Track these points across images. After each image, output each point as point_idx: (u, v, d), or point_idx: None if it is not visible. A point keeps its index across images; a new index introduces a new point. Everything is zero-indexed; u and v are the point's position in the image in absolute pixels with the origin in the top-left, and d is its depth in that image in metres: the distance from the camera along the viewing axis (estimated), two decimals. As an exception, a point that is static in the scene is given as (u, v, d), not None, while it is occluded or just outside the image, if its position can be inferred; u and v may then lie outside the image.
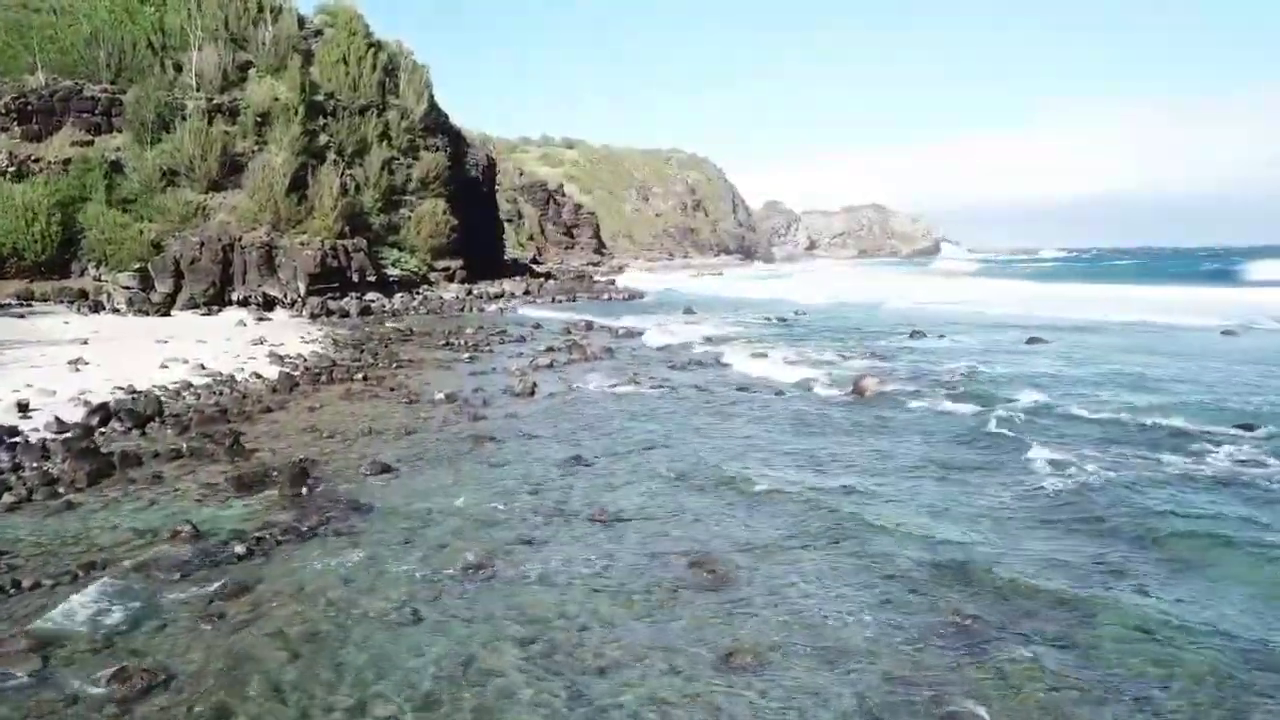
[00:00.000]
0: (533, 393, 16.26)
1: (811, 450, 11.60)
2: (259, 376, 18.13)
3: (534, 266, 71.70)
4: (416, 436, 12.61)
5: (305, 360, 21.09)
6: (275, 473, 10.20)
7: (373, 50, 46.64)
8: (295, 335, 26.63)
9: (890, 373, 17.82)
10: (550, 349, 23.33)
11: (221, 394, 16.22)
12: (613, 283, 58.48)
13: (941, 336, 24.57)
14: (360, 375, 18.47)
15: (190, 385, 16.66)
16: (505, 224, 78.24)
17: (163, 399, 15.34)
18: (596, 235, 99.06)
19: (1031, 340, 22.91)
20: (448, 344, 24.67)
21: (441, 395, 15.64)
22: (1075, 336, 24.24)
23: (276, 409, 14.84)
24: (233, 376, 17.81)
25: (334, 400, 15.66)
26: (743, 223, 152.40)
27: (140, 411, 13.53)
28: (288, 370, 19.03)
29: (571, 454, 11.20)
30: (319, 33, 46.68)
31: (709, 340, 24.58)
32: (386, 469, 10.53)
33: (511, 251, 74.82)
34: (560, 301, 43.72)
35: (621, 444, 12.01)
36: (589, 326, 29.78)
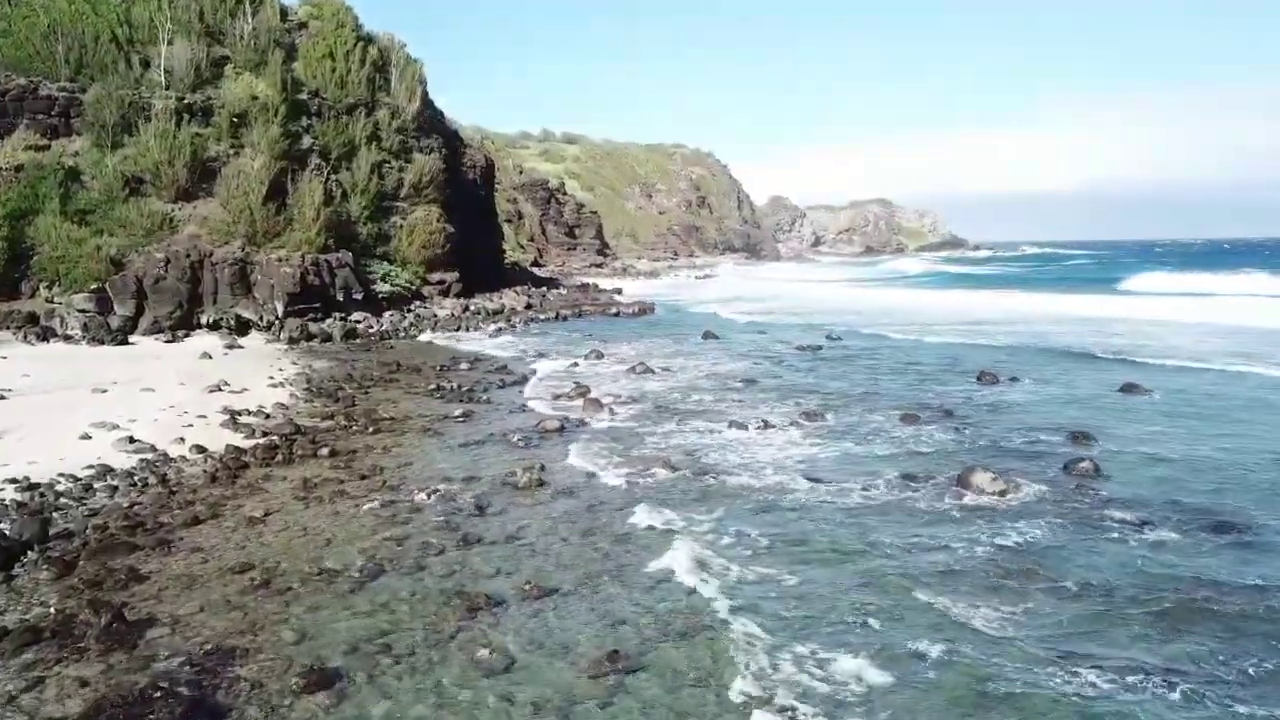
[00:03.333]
0: (541, 485, 12.77)
1: (973, 636, 8.11)
2: (202, 451, 14.64)
3: (535, 271, 68.26)
4: (384, 585, 9.11)
5: (266, 419, 17.61)
6: (158, 696, 6.71)
7: (362, 45, 43.03)
8: (265, 373, 23.15)
9: (986, 449, 14.34)
10: (558, 396, 19.88)
11: (146, 485, 12.73)
12: (619, 292, 55.00)
13: (1014, 380, 21.06)
14: (327, 449, 14.96)
15: (109, 472, 13.16)
16: (505, 224, 74.75)
17: (62, 499, 11.88)
18: (599, 235, 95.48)
19: (1126, 389, 19.41)
20: (438, 388, 21.17)
21: (423, 494, 12.12)
22: (1168, 380, 20.66)
23: (208, 517, 11.34)
24: (166, 455, 14.31)
25: (287, 499, 12.16)
26: (747, 220, 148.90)
27: (15, 536, 10.03)
28: (239, 441, 15.54)
29: (606, 648, 7.67)
30: (303, 25, 43.05)
31: (746, 385, 21.07)
32: (329, 680, 7.03)
33: (511, 254, 71.31)
34: (565, 318, 40.23)
35: (672, 615, 8.49)
36: (599, 356, 26.32)
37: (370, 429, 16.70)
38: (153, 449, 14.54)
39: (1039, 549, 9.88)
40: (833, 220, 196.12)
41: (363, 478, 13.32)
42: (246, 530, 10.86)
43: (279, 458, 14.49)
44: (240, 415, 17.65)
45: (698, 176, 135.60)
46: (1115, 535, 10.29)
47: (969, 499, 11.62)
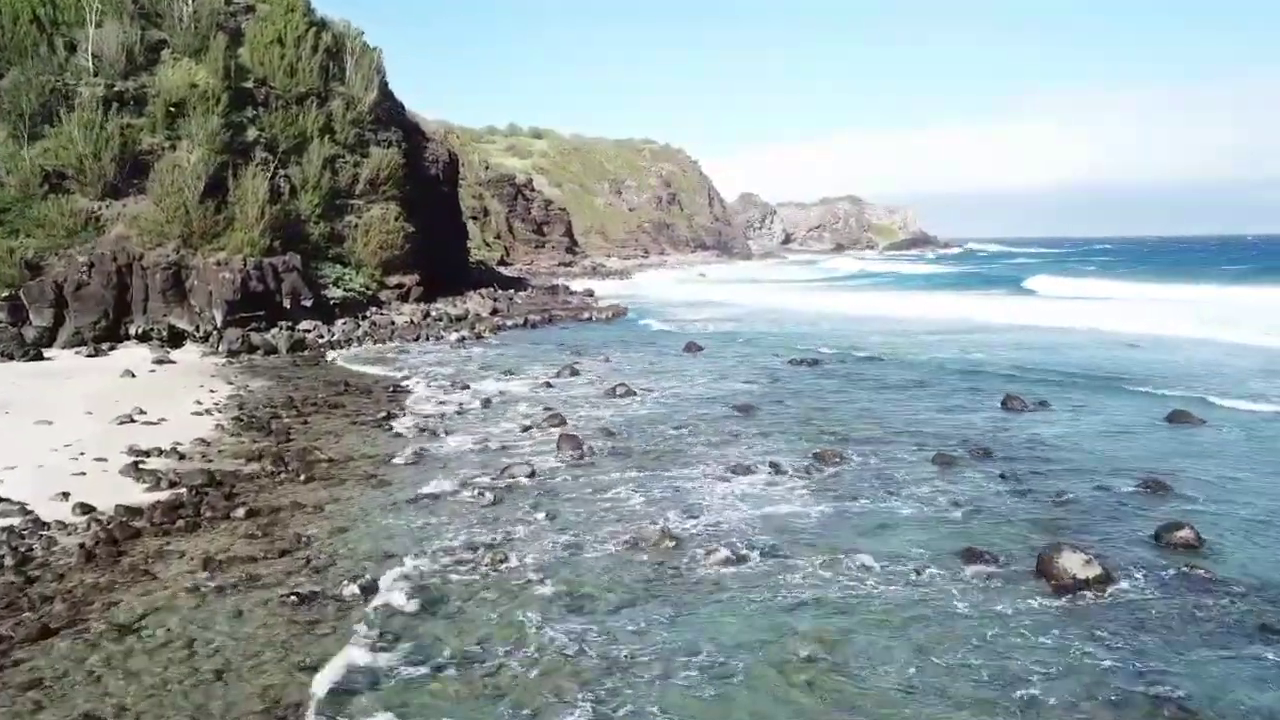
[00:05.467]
0: (505, 563, 10.09)
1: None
2: (87, 511, 11.83)
3: (501, 271, 65.41)
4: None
5: (181, 460, 14.82)
6: None
7: (314, 30, 39.96)
8: (192, 396, 20.31)
9: (1049, 507, 11.85)
10: (528, 428, 17.21)
11: (-2, 569, 9.91)
12: (591, 294, 52.25)
13: (1043, 406, 18.68)
14: (244, 508, 12.16)
15: (-46, 548, 10.32)
16: (470, 222, 71.78)
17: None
18: (568, 233, 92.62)
19: (1176, 418, 17.06)
20: (389, 416, 18.44)
21: (356, 585, 9.39)
22: (1210, 409, 18.22)
23: (65, 624, 8.56)
24: (38, 519, 11.45)
25: (178, 591, 9.39)
26: (719, 217, 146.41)
27: None
28: (139, 495, 12.73)
29: None
30: (250, 9, 39.97)
31: (743, 412, 18.47)
32: None
33: (477, 253, 68.40)
34: (534, 325, 37.44)
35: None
36: (573, 373, 23.65)
37: (302, 475, 13.90)
38: (23, 510, 11.69)
39: (1178, 689, 7.33)
40: (803, 217, 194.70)
41: (283, 553, 10.55)
42: (111, 648, 8.10)
43: (182, 522, 11.67)
44: (149, 457, 14.85)
45: (668, 173, 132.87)
46: (1271, 659, 7.79)
47: (1057, 593, 9.07)
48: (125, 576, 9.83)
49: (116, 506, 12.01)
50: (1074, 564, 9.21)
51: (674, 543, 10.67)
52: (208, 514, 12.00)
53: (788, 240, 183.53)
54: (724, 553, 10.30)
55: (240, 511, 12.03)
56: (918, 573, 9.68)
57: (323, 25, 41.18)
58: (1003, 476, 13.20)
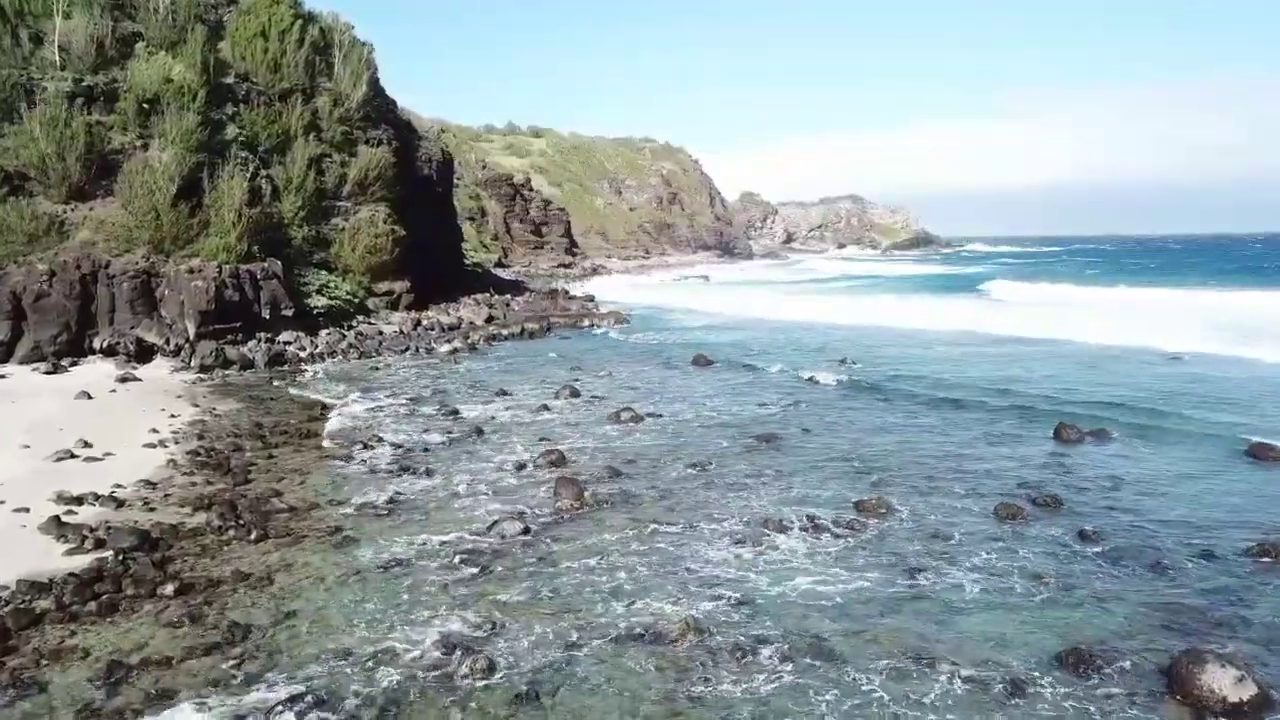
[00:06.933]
0: (490, 672, 8.01)
1: None
2: (-14, 587, 9.76)
3: (499, 274, 63.38)
4: None
5: (118, 508, 12.76)
6: None
7: (301, 23, 37.88)
8: (149, 422, 18.26)
9: (1152, 583, 9.76)
10: (521, 466, 15.12)
11: None
12: (591, 299, 50.13)
13: (1100, 435, 16.62)
14: (175, 582, 10.06)
15: None
16: (467, 222, 69.88)
17: None
18: (568, 234, 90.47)
19: (1257, 453, 14.99)
20: (365, 447, 16.37)
21: (292, 713, 7.30)
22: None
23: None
24: (-82, 602, 9.38)
25: (62, 716, 7.31)
26: (720, 216, 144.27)
27: None
28: (56, 562, 10.65)
29: None
30: (233, 1, 37.84)
31: (765, 443, 16.38)
32: None
33: (474, 254, 66.36)
34: (531, 334, 35.26)
35: None
36: (573, 394, 21.54)
37: (254, 532, 11.81)
38: (-95, 589, 9.62)
39: None
40: (804, 217, 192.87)
41: (211, 650, 8.47)
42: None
43: (96, 603, 9.58)
44: (80, 505, 12.80)
45: (668, 172, 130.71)
46: None
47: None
48: (3, 691, 7.75)
49: (19, 582, 9.92)
50: (1222, 682, 7.14)
51: (696, 637, 8.59)
52: (130, 590, 9.91)
53: (789, 240, 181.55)
54: (756, 652, 8.23)
55: (170, 588, 9.93)
56: (1009, 689, 7.58)
57: (310, 18, 39.12)
58: (1083, 536, 11.11)
